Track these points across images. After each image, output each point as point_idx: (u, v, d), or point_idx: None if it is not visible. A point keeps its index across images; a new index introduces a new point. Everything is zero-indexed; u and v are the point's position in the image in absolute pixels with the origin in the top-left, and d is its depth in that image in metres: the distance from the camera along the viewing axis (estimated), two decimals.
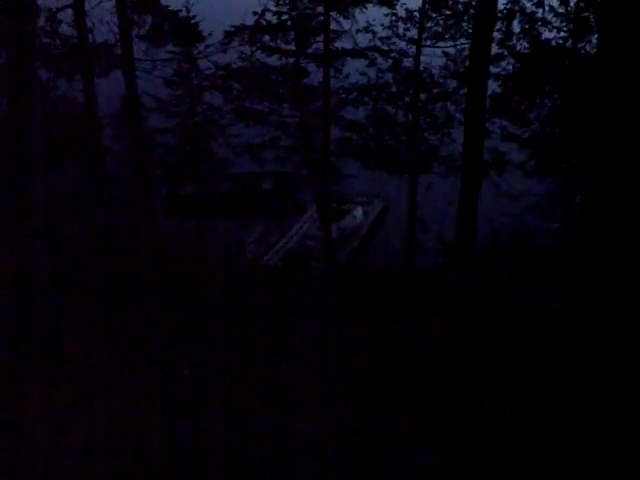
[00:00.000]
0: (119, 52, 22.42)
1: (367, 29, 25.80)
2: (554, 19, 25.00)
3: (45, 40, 23.35)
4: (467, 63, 25.74)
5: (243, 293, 20.45)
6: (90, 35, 21.73)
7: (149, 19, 23.59)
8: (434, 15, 26.04)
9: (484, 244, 24.73)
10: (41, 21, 22.39)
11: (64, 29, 22.81)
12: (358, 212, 32.56)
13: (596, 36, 22.32)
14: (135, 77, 21.85)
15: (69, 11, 21.27)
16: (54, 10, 22.08)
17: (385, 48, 26.02)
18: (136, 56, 21.81)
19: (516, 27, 25.47)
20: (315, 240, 29.93)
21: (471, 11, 25.10)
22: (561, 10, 24.89)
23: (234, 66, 25.47)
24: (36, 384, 11.42)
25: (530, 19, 25.12)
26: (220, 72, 25.54)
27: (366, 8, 24.73)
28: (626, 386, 13.53)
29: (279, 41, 25.42)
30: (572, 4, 24.56)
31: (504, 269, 22.52)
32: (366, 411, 15.30)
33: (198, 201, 27.20)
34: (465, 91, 25.98)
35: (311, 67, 25.73)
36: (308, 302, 20.55)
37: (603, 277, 14.67)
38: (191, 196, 28.10)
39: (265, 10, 24.63)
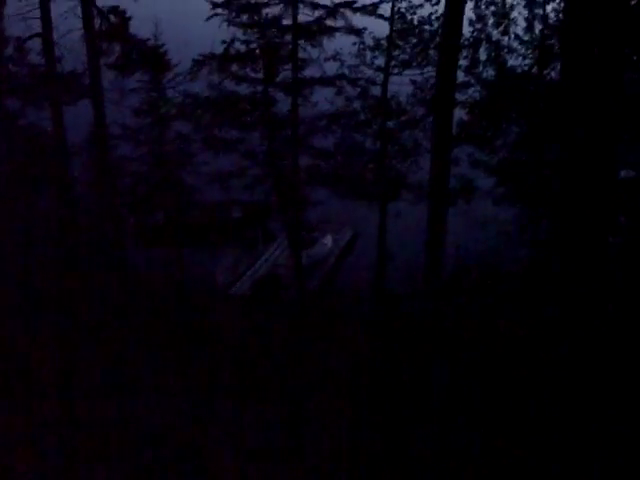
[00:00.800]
0: (87, 81, 22.48)
1: (335, 57, 25.97)
2: (519, 47, 25.31)
3: (13, 69, 23.29)
4: (434, 91, 25.94)
5: (211, 324, 20.35)
6: (58, 64, 21.75)
7: (118, 47, 23.60)
8: (401, 43, 26.28)
9: (453, 270, 24.80)
10: (9, 50, 22.37)
11: (32, 58, 22.76)
12: (328, 240, 32.58)
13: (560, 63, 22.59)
14: (103, 106, 21.90)
15: (37, 40, 21.28)
16: (23, 39, 22.04)
17: (353, 76, 26.18)
18: (105, 84, 21.86)
19: (482, 55, 25.75)
20: (285, 268, 29.90)
21: (437, 39, 25.30)
22: (526, 38, 25.22)
23: (203, 95, 25.49)
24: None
25: (496, 47, 25.42)
26: (188, 101, 25.53)
27: (334, 37, 24.85)
28: (596, 407, 13.61)
29: (248, 70, 25.45)
30: (537, 32, 24.90)
31: (471, 296, 22.60)
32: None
33: (167, 230, 27.09)
34: (432, 119, 26.16)
35: (279, 96, 25.77)
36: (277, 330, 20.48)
37: (570, 301, 14.80)
38: (160, 225, 27.98)
39: (234, 39, 24.71)
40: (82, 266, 19.18)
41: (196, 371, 17.18)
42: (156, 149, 26.18)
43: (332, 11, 24.20)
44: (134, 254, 26.87)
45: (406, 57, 26.33)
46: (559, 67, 23.37)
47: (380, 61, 26.30)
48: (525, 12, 25.10)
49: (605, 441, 13.08)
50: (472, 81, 25.78)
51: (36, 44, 21.71)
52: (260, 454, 14.69)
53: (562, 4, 22.88)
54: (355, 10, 24.59)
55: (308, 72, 25.11)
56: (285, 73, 25.02)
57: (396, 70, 26.29)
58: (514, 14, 25.34)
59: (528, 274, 23.46)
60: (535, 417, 14.01)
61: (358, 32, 25.38)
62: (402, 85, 26.46)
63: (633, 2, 20.26)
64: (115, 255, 23.34)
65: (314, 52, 24.72)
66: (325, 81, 25.52)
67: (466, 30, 24.72)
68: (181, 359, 17.51)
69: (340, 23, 24.46)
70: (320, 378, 16.82)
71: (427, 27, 26.27)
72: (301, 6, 23.74)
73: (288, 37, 24.45)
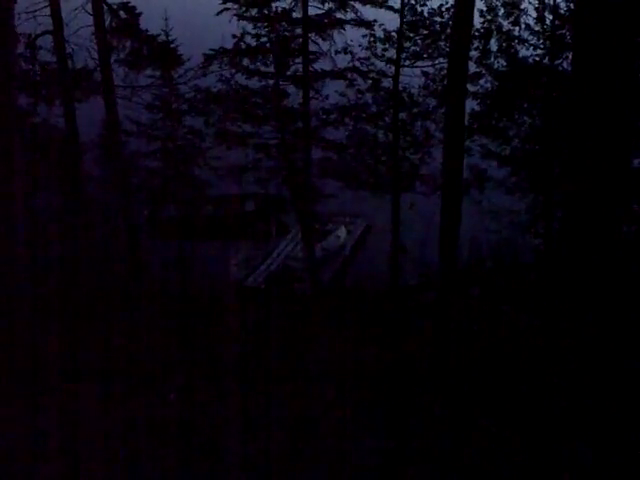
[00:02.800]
0: (99, 77, 22.56)
1: (346, 50, 25.95)
2: (531, 37, 25.21)
3: (25, 66, 23.38)
4: (446, 82, 25.89)
5: (227, 315, 20.33)
6: (69, 61, 21.83)
7: (128, 44, 23.65)
8: (412, 35, 26.22)
9: (467, 261, 24.77)
10: (20, 47, 22.44)
11: (43, 55, 22.85)
12: (341, 232, 32.62)
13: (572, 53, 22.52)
14: (115, 102, 21.97)
15: (48, 37, 21.34)
16: (33, 36, 22.12)
17: (364, 69, 26.18)
18: (116, 80, 21.93)
19: (493, 45, 25.68)
20: (299, 261, 29.95)
21: (448, 30, 25.23)
22: (537, 28, 25.11)
23: (214, 89, 25.55)
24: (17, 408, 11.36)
25: (507, 37, 25.32)
26: (200, 95, 25.60)
27: (344, 29, 24.87)
28: (608, 403, 13.58)
29: (258, 63, 25.52)
30: (548, 22, 24.80)
31: (486, 288, 22.57)
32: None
33: (181, 223, 27.19)
34: (444, 110, 26.11)
35: (291, 89, 25.85)
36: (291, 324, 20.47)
37: (581, 292, 14.75)
38: (173, 218, 28.09)
39: (244, 33, 24.77)
40: (93, 261, 19.23)
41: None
42: (168, 144, 26.27)
43: (342, 3, 24.26)
44: (148, 247, 26.95)
45: (417, 49, 26.28)
46: (571, 57, 23.32)
47: (391, 53, 26.25)
48: (536, 2, 24.99)
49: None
50: (483, 72, 25.71)
51: (47, 41, 21.80)
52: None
53: None
54: (365, 2, 24.65)
55: (319, 65, 25.18)
56: (296, 66, 25.09)
57: (407, 62, 26.24)
58: (524, 4, 25.21)
59: (541, 264, 23.45)
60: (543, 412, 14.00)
61: (368, 24, 25.38)
62: (413, 77, 26.42)
63: None
64: (129, 248, 23.40)
65: (325, 45, 24.78)
66: (336, 74, 25.56)
67: (477, 21, 24.57)
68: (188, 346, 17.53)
69: (350, 16, 24.56)
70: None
71: (437, 19, 26.20)
72: None
73: (298, 30, 24.51)
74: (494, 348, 16.86)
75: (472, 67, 25.31)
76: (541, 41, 25.03)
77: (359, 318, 19.79)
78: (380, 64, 26.55)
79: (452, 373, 16.28)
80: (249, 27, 24.77)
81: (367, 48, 26.31)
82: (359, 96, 26.42)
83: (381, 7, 25.12)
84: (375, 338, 18.70)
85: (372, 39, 26.26)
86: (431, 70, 26.37)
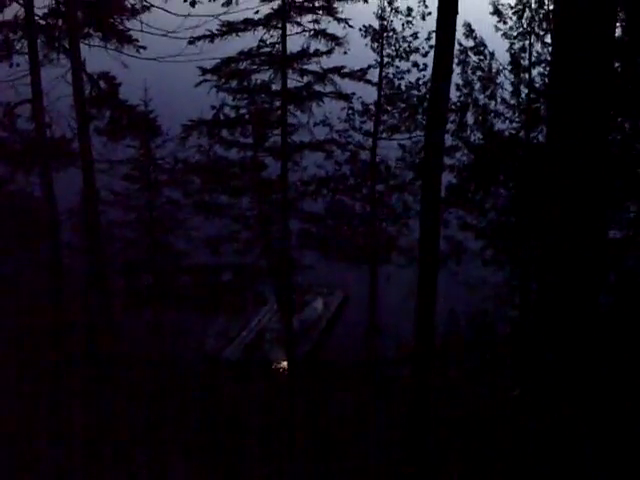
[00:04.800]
0: (77, 146, 22.53)
1: (324, 122, 26.23)
2: (506, 110, 25.58)
3: (2, 134, 23.36)
4: (422, 154, 26.10)
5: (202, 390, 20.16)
6: (48, 130, 21.80)
7: (107, 113, 23.68)
8: (389, 108, 26.57)
9: (444, 332, 24.69)
10: None
11: (22, 123, 22.84)
12: (318, 303, 32.48)
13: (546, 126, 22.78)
14: (93, 171, 21.92)
15: (28, 105, 21.35)
16: (12, 104, 22.12)
17: (342, 141, 26.44)
18: (94, 149, 21.91)
19: (470, 118, 25.99)
20: (276, 332, 29.73)
21: (425, 104, 25.53)
22: (513, 102, 25.49)
23: (192, 160, 25.57)
24: None
25: (483, 111, 25.67)
26: (179, 166, 25.60)
27: (323, 102, 25.07)
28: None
29: (237, 135, 25.60)
30: (523, 96, 25.17)
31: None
32: None
33: (157, 293, 26.96)
34: (421, 182, 26.27)
35: (269, 160, 25.91)
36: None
37: (557, 366, 14.67)
38: (150, 288, 27.85)
39: (223, 104, 24.89)
40: (69, 330, 19.03)
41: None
42: (146, 214, 26.15)
43: (321, 77, 24.44)
44: (123, 317, 26.69)
45: (394, 122, 26.62)
46: (545, 130, 23.59)
47: (369, 126, 26.58)
48: (511, 77, 25.40)
49: None
50: (460, 145, 25.99)
51: (26, 110, 21.80)
52: None
53: (547, 68, 23.17)
54: (343, 76, 24.86)
55: (297, 137, 25.27)
56: (275, 138, 25.17)
57: (385, 135, 26.56)
58: (500, 79, 25.65)
59: (518, 336, 23.37)
60: None
61: (347, 97, 25.64)
62: (391, 149, 26.69)
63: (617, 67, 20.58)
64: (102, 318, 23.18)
65: (303, 117, 24.91)
66: (314, 146, 25.69)
67: (453, 95, 24.94)
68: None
69: (329, 88, 24.72)
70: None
71: (415, 92, 26.59)
72: (290, 72, 23.96)
73: (277, 102, 24.64)
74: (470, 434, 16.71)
75: (449, 140, 25.58)
76: (517, 114, 25.37)
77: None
78: (358, 136, 26.87)
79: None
80: (228, 98, 24.89)
81: (345, 120, 26.64)
82: (337, 168, 26.63)
83: (359, 81, 25.41)
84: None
85: (350, 112, 26.60)
86: (408, 143, 26.67)
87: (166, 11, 19.23)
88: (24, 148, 23.27)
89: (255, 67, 24.36)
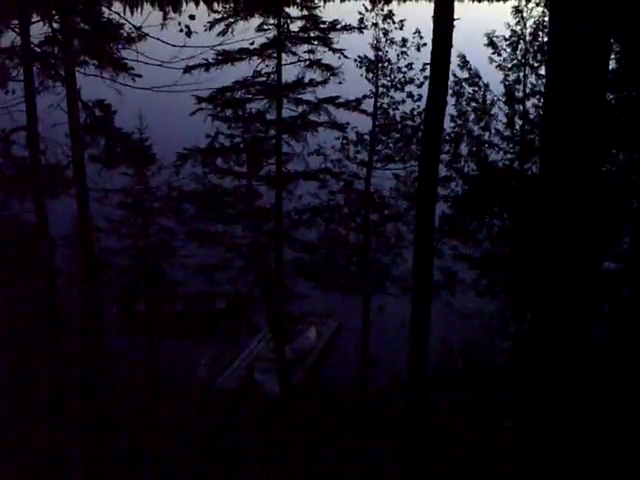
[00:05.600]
0: (72, 173, 22.59)
1: (319, 152, 26.26)
2: (500, 142, 25.67)
3: None
4: (416, 185, 26.16)
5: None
6: (43, 157, 21.86)
7: (102, 141, 23.75)
8: (384, 138, 26.65)
9: (438, 363, 24.65)
10: None
11: (17, 150, 22.89)
12: (311, 333, 32.31)
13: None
14: (87, 198, 21.97)
15: (23, 132, 21.43)
16: (7, 131, 22.19)
17: (336, 170, 26.47)
18: (89, 176, 21.97)
19: (464, 149, 26.08)
20: (269, 362, 29.57)
21: (419, 134, 25.62)
22: (507, 133, 25.59)
23: (187, 188, 25.60)
24: None
25: (477, 142, 25.76)
26: (173, 194, 25.62)
27: (317, 131, 25.15)
28: None
29: (232, 163, 25.64)
30: (517, 127, 25.28)
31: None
32: None
33: (150, 320, 26.89)
34: (415, 212, 26.33)
35: (263, 189, 25.93)
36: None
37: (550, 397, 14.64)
38: (143, 315, 27.78)
39: (218, 133, 24.95)
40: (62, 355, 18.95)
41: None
42: (140, 242, 26.13)
43: (316, 106, 24.54)
44: (116, 343, 26.65)
45: (389, 152, 26.69)
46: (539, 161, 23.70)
47: (363, 155, 26.63)
48: (506, 108, 25.52)
49: None
50: (454, 175, 26.06)
51: (21, 136, 21.87)
52: None
53: (542, 100, 23.28)
54: (338, 105, 24.97)
55: (292, 166, 25.32)
56: (269, 167, 25.20)
57: (379, 164, 26.62)
58: (495, 110, 25.76)
59: (513, 367, 23.32)
60: None
61: (341, 127, 25.73)
62: (385, 179, 26.74)
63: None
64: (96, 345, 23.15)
65: (298, 146, 24.98)
66: (309, 175, 25.74)
67: (447, 125, 25.04)
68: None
69: (323, 118, 24.81)
70: None
71: (409, 122, 26.68)
72: (285, 101, 24.06)
73: (272, 131, 24.72)
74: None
75: (443, 170, 25.69)
76: (511, 146, 25.46)
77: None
78: (352, 166, 26.91)
79: None
80: (223, 127, 24.96)
81: (340, 150, 26.70)
82: (331, 197, 26.64)
83: (354, 110, 25.50)
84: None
85: (345, 141, 26.66)
86: (402, 173, 26.70)
87: (162, 41, 19.30)
88: (19, 174, 23.31)
89: (250, 96, 24.46)
